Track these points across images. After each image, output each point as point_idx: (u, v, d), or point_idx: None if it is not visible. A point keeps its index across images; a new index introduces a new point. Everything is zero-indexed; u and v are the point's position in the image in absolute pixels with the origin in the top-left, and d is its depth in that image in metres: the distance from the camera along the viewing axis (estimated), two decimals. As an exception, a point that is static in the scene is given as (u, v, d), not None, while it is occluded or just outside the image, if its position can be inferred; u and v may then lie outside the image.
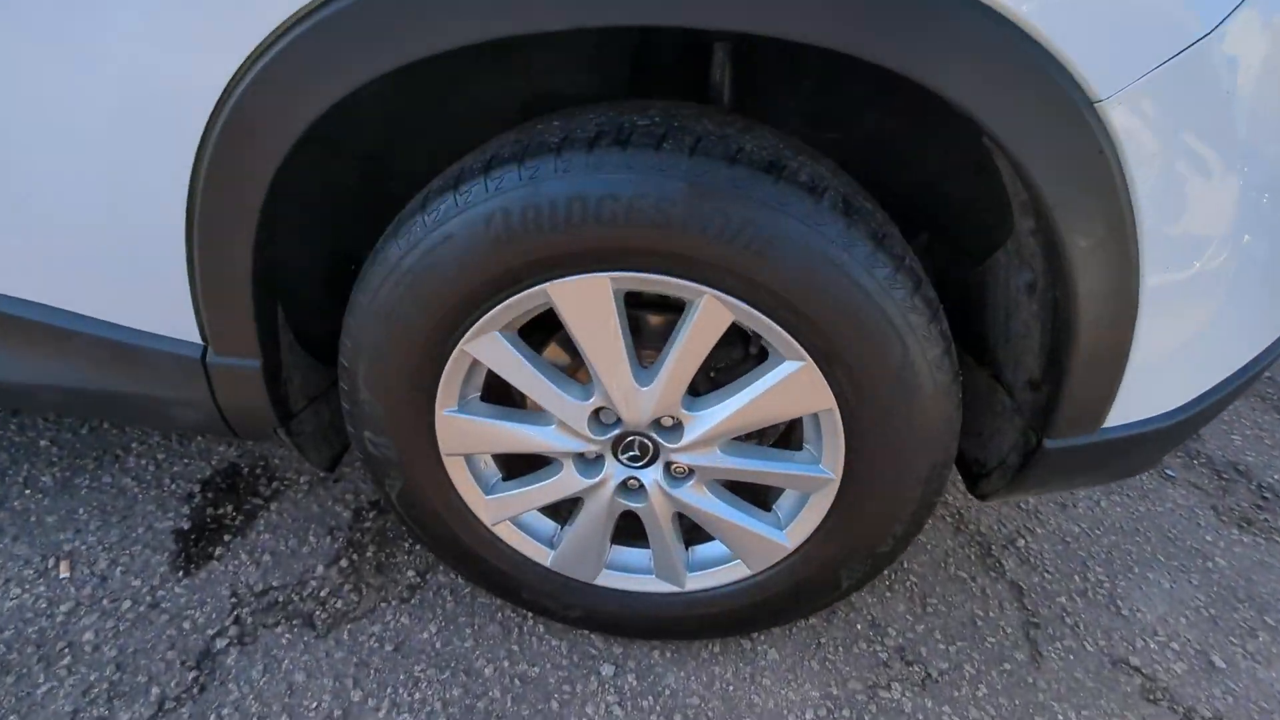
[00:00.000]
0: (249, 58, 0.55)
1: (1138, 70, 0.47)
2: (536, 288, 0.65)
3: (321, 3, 0.53)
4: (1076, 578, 1.16)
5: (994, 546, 1.21)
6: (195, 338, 0.74)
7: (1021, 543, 1.23)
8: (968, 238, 0.78)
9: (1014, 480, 0.75)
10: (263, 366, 0.75)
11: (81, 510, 1.08)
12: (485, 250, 0.62)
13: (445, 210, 0.62)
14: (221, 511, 1.11)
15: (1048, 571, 1.17)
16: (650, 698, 0.91)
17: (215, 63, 0.55)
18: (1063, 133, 0.50)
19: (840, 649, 1.00)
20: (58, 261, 0.70)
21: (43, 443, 1.20)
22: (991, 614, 1.08)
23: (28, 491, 1.11)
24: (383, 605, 0.99)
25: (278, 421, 0.80)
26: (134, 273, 0.69)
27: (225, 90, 0.56)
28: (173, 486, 1.14)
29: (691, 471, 0.79)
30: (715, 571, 0.87)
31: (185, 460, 1.20)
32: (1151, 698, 0.99)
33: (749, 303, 0.63)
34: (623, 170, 0.57)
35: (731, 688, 0.93)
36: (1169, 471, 1.45)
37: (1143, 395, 0.66)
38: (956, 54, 0.48)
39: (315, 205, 0.78)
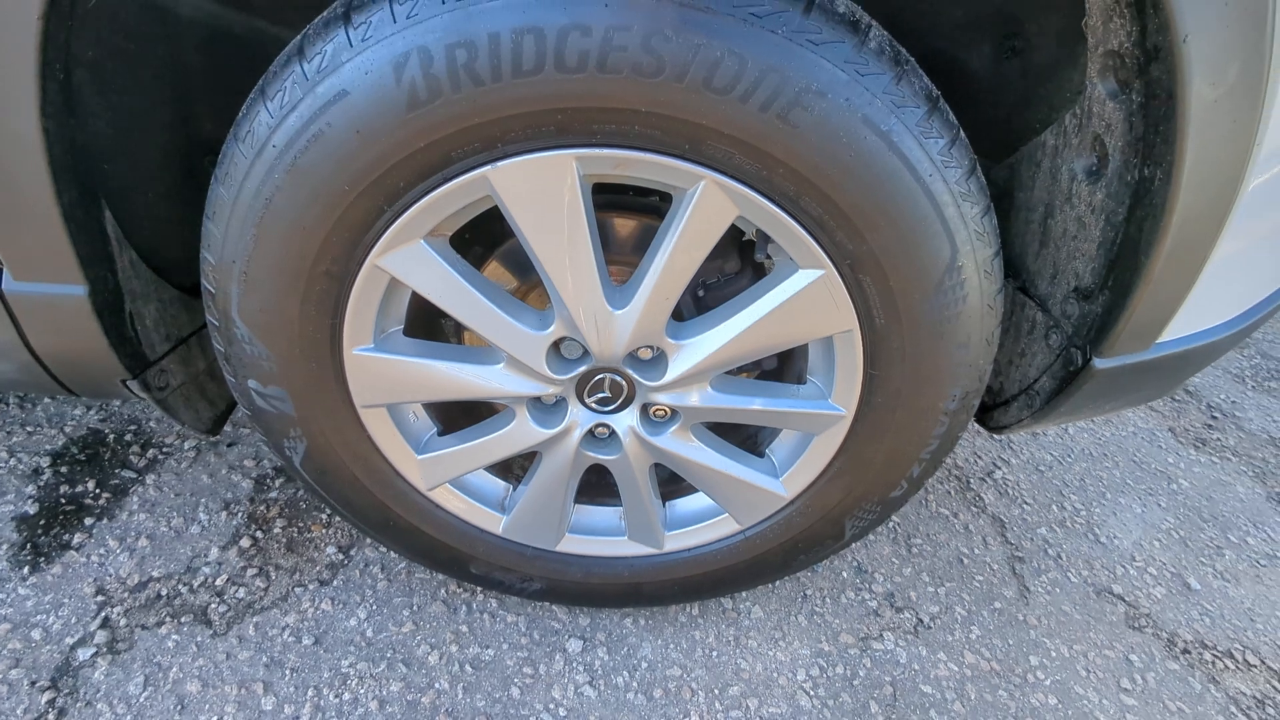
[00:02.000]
0: None
1: None
2: (473, 173, 0.48)
3: None
4: (1054, 508, 1.12)
5: (972, 480, 1.15)
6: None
7: (999, 474, 1.17)
8: (996, 124, 0.65)
9: (1042, 409, 0.65)
10: (90, 295, 0.54)
11: (-117, 497, 0.84)
12: (397, 115, 0.44)
13: (335, 54, 0.43)
14: (80, 489, 0.89)
15: (1026, 503, 1.12)
16: (625, 673, 0.79)
17: None
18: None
19: (828, 600, 0.91)
20: None
21: None
22: (976, 550, 1.02)
23: None
24: (297, 590, 0.82)
25: (127, 372, 0.60)
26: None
27: None
28: (13, 462, 0.91)
29: (675, 414, 0.65)
30: (698, 529, 0.75)
31: (30, 428, 0.96)
32: (1136, 625, 0.95)
33: (761, 191, 0.48)
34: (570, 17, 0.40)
35: (715, 653, 0.82)
36: (1128, 395, 1.44)
37: (1206, 303, 0.56)
38: None
39: (139, 68, 0.56)
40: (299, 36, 0.46)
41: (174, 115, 0.61)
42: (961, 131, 0.49)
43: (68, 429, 0.97)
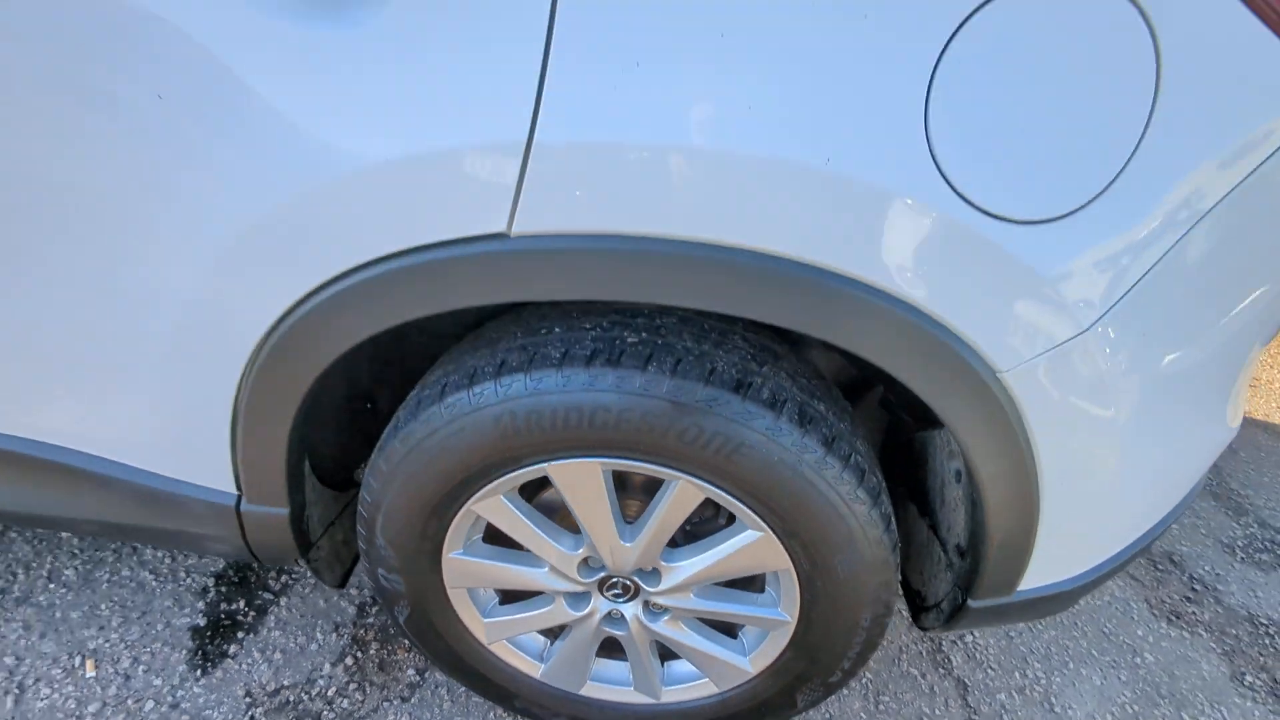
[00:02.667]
0: (294, 303, 0.65)
1: (1033, 352, 0.60)
2: (538, 466, 0.76)
3: (339, 276, 0.63)
4: (1017, 674, 1.28)
5: (944, 642, 1.33)
6: (231, 489, 0.84)
7: (970, 638, 1.34)
8: (912, 410, 0.90)
9: (946, 624, 0.87)
10: (290, 513, 0.85)
11: (104, 606, 1.17)
12: (494, 441, 0.73)
13: (460, 406, 0.73)
14: (235, 607, 1.19)
15: (991, 668, 1.29)
16: (627, 797, 1.01)
17: (269, 302, 0.66)
18: (972, 392, 0.62)
19: (800, 748, 1.10)
20: (121, 422, 0.80)
21: (63, 535, 1.28)
22: (938, 711, 1.19)
23: (52, 586, 1.19)
24: (385, 705, 1.08)
25: (299, 553, 0.90)
26: (184, 435, 0.79)
27: (272, 326, 0.66)
28: (188, 581, 1.23)
29: (667, 609, 0.90)
30: (687, 687, 0.98)
31: (200, 555, 1.28)
32: (1077, 795, 1.10)
33: (717, 487, 0.74)
34: (613, 391, 0.68)
35: (701, 787, 1.03)
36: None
37: (1048, 568, 0.78)
38: (883, 335, 0.59)
39: (346, 387, 0.89)
40: (440, 382, 0.76)
41: (353, 392, 0.93)
42: (854, 457, 0.74)
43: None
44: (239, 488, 0.83)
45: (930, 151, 0.52)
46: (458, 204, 0.56)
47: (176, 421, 0.78)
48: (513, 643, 0.98)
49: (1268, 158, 0.53)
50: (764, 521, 0.76)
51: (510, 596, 0.97)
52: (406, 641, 1.18)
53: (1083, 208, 0.53)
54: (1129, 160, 0.52)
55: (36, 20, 0.55)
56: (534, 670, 0.99)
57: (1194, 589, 1.56)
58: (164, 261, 0.64)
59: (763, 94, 0.51)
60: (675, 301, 0.61)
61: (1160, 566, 1.61)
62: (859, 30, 0.50)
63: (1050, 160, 0.53)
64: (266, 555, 0.91)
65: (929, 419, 0.88)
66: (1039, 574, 0.78)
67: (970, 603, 0.80)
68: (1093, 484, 0.70)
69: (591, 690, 1.00)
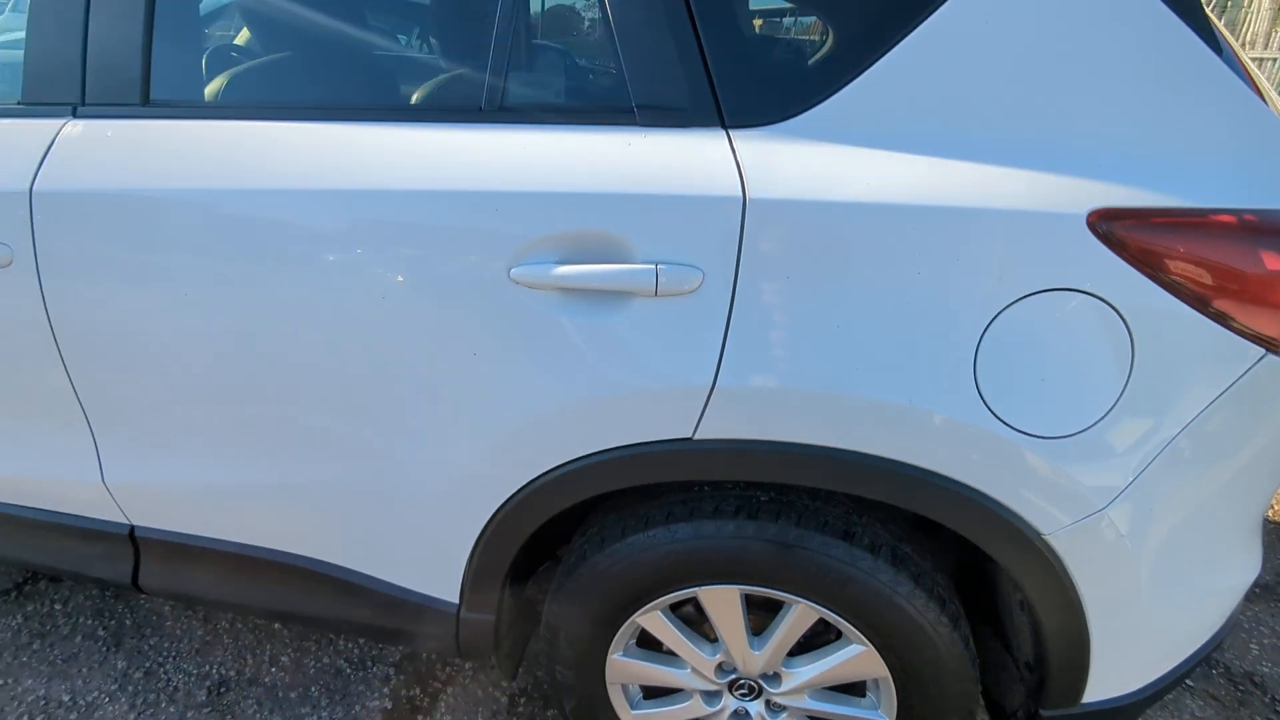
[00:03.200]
0: (538, 475, 0.95)
1: (1066, 522, 0.83)
2: (689, 590, 1.01)
3: (573, 459, 0.92)
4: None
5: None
6: (455, 600, 1.11)
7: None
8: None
9: (1024, 731, 1.04)
10: (495, 620, 1.12)
11: (313, 688, 1.45)
12: (661, 571, 0.99)
13: (636, 543, 1.00)
14: (413, 693, 1.45)
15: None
16: None
17: (520, 474, 0.96)
18: (1022, 547, 0.85)
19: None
20: (388, 547, 1.10)
21: (275, 625, 1.59)
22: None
23: (273, 669, 1.48)
24: (540, 784, 1.30)
25: (494, 650, 1.16)
26: (432, 560, 1.08)
27: (519, 489, 0.96)
28: (374, 669, 1.50)
29: (785, 708, 1.11)
30: (800, 778, 1.16)
31: (380, 645, 1.56)
32: None
33: (829, 610, 0.97)
34: (754, 538, 0.94)
35: None
36: (1188, 681, 1.66)
37: (1105, 685, 0.96)
38: (957, 508, 0.84)
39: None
40: (621, 524, 1.03)
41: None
42: (936, 589, 0.96)
43: (399, 647, 1.56)
44: (461, 599, 1.11)
45: (978, 390, 0.79)
46: (663, 419, 0.86)
47: (430, 550, 1.07)
48: (653, 731, 1.20)
49: (1214, 399, 0.77)
50: (866, 638, 0.99)
51: (652, 692, 1.20)
52: (552, 729, 1.40)
53: (1087, 429, 0.78)
54: (1117, 400, 0.77)
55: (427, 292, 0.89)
56: (671, 759, 1.20)
57: (1276, 710, 1.61)
58: (458, 443, 0.96)
59: (873, 357, 0.79)
60: (803, 482, 0.88)
61: (1241, 687, 1.68)
62: (932, 323, 0.78)
63: (1061, 399, 0.78)
64: (469, 652, 1.17)
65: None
66: (1098, 689, 0.96)
67: (1042, 712, 0.98)
68: (1129, 616, 0.90)
69: (718, 778, 1.20)
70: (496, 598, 1.09)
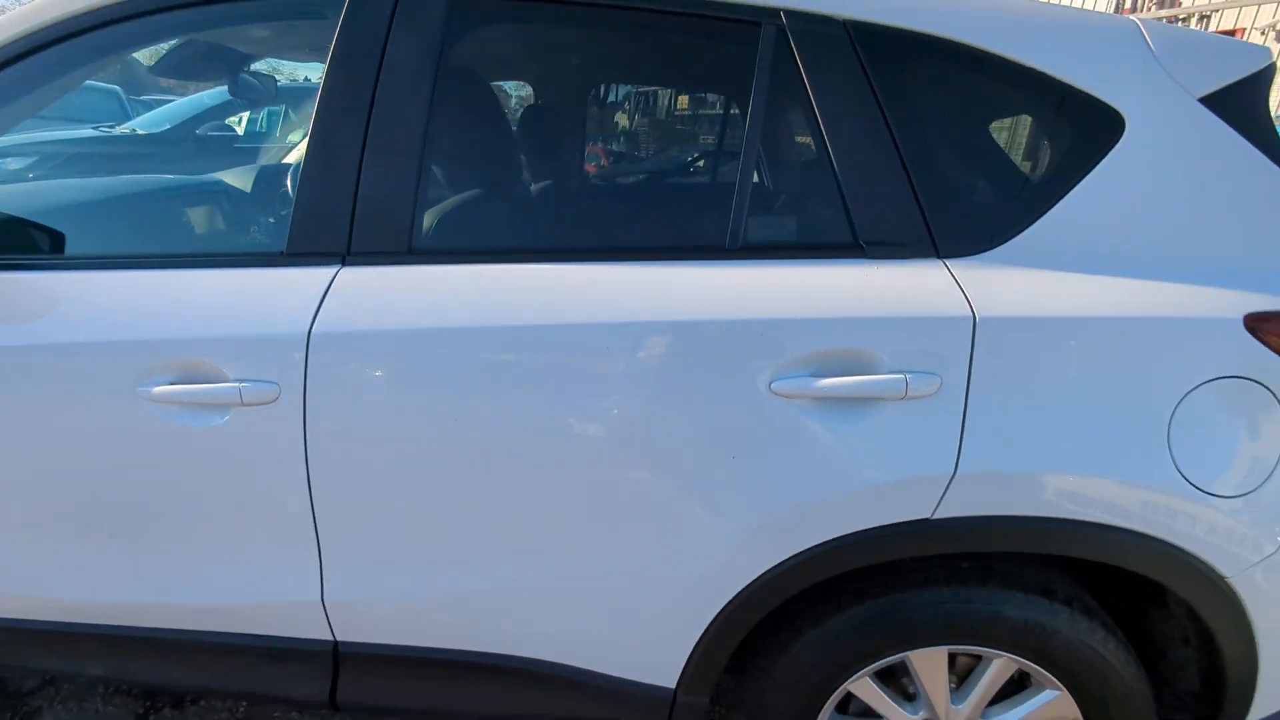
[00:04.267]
0: (771, 567, 1.06)
1: (1244, 566, 1.00)
2: (901, 655, 1.13)
3: (808, 549, 1.04)
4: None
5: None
6: (672, 684, 1.19)
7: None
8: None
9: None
10: (710, 699, 1.19)
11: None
12: (878, 647, 1.11)
13: (840, 625, 1.11)
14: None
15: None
16: None
17: (756, 565, 1.06)
18: (1212, 588, 1.01)
19: None
20: (613, 642, 1.16)
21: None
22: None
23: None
24: None
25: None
26: (658, 649, 1.16)
27: (753, 580, 1.06)
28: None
29: (981, 755, 1.22)
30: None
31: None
32: None
33: (1030, 661, 1.11)
34: (957, 601, 1.07)
35: None
36: None
37: (1267, 704, 1.12)
38: (1162, 562, 1.00)
39: None
40: (831, 612, 1.15)
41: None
42: (1118, 633, 1.11)
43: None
44: (679, 684, 1.18)
45: (1173, 461, 0.96)
46: (905, 504, 1.00)
47: (657, 640, 1.15)
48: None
49: None
50: (1060, 681, 1.12)
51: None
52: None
53: (1257, 489, 0.97)
54: (1276, 464, 0.96)
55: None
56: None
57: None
58: (703, 540, 1.06)
59: (1086, 440, 0.96)
60: (1025, 549, 1.03)
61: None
62: (1132, 408, 0.96)
63: (1235, 464, 0.97)
64: (674, 729, 1.24)
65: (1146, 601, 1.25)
66: (1261, 708, 1.12)
67: (1217, 730, 1.13)
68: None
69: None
70: (713, 681, 1.18)
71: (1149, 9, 9.45)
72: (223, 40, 1.60)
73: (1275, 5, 10.85)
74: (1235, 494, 0.98)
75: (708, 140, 1.13)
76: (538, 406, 1.03)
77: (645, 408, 1.01)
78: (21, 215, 1.13)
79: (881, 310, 0.97)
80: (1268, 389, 0.96)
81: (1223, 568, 1.00)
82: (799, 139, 1.06)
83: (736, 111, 1.02)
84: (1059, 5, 1.10)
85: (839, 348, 0.98)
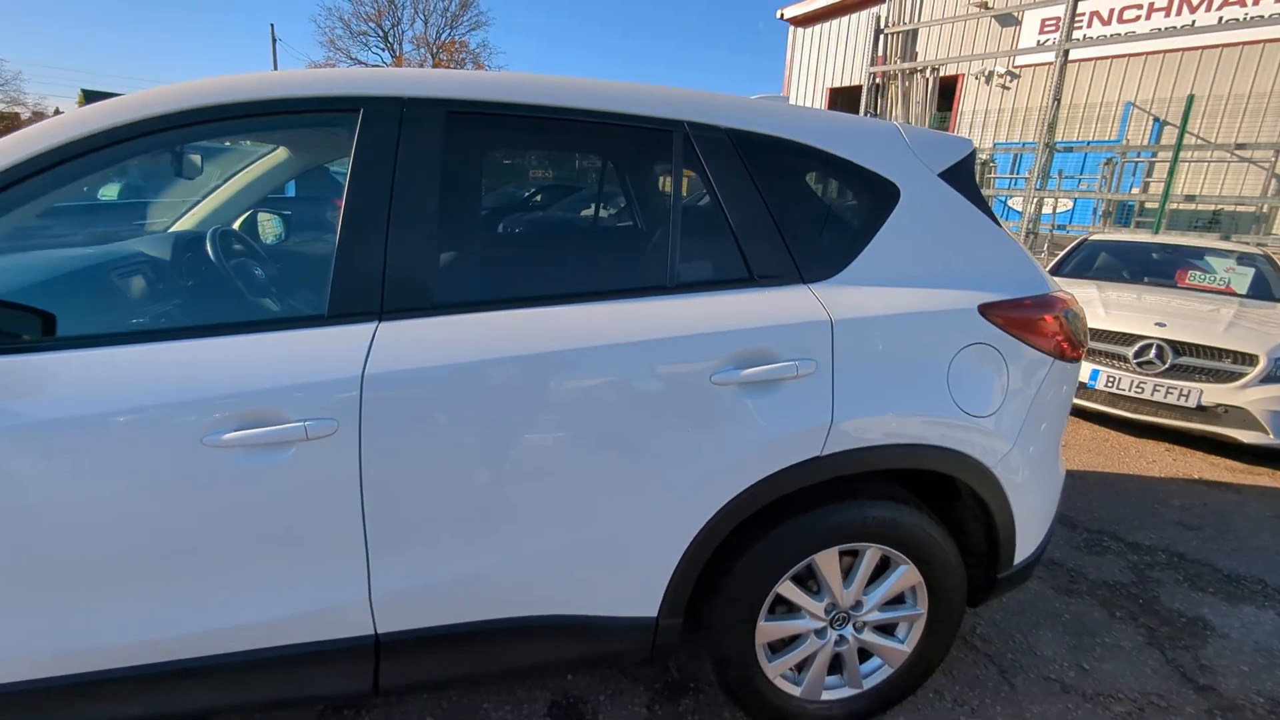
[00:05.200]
0: (720, 507, 1.50)
1: (995, 460, 1.61)
2: (808, 559, 1.62)
3: (742, 491, 1.50)
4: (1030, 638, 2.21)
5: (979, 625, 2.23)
6: (654, 613, 1.57)
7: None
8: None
9: (987, 595, 1.80)
10: (682, 620, 1.60)
11: None
12: (793, 556, 1.59)
13: (766, 546, 1.59)
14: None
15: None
16: None
17: (706, 508, 1.49)
18: (982, 476, 1.61)
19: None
20: (612, 586, 1.52)
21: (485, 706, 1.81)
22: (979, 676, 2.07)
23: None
24: None
25: (680, 649, 1.63)
26: (641, 586, 1.54)
27: (706, 520, 1.50)
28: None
29: (866, 624, 1.74)
30: (874, 674, 1.79)
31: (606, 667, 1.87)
32: (1067, 690, 2.01)
33: (888, 548, 1.64)
34: (855, 511, 1.59)
35: (894, 740, 1.80)
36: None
37: (1023, 551, 1.76)
38: (956, 461, 1.58)
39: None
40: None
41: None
42: (937, 522, 1.69)
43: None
44: (660, 611, 1.57)
45: (952, 398, 1.55)
46: (804, 447, 1.48)
47: (643, 579, 1.53)
48: (783, 677, 1.74)
49: (1040, 385, 1.63)
50: (909, 558, 1.67)
51: (775, 647, 1.74)
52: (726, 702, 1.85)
53: (995, 411, 1.59)
54: (1005, 395, 1.59)
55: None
56: (795, 691, 1.74)
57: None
58: (672, 496, 1.46)
59: (903, 391, 1.53)
60: (882, 466, 1.56)
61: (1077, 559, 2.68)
62: (925, 368, 1.54)
63: (983, 397, 1.58)
64: (661, 654, 1.62)
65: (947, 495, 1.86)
66: (1023, 551, 1.75)
67: (998, 575, 1.74)
68: (1027, 505, 1.71)
69: (826, 694, 1.77)
70: (684, 604, 1.58)
71: (895, 60, 11.58)
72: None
73: (983, 60, 13.61)
74: (987, 414, 1.59)
75: (647, 207, 1.57)
76: (539, 413, 1.39)
77: (624, 404, 1.41)
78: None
79: (775, 320, 1.47)
80: (995, 349, 1.59)
81: (986, 461, 1.61)
82: (705, 205, 1.54)
83: (665, 187, 1.47)
84: (852, 116, 1.69)
85: (752, 348, 1.45)
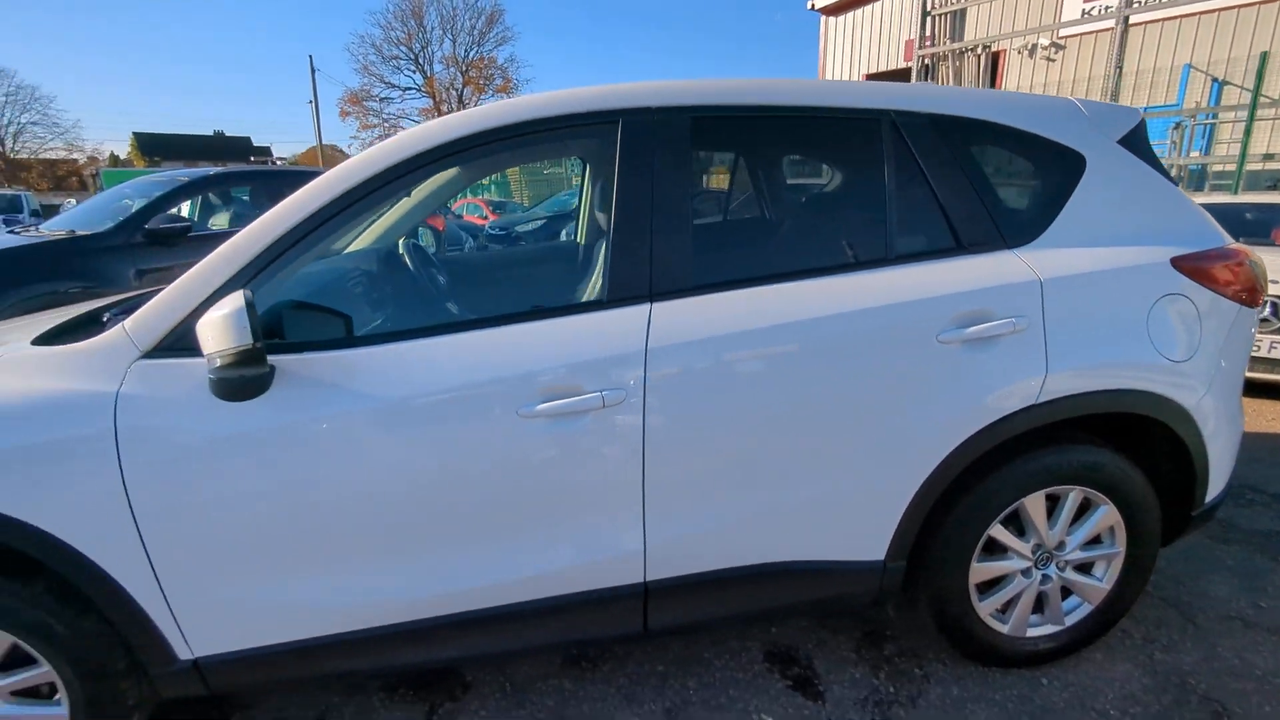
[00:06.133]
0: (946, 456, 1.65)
1: (1191, 399, 1.74)
2: (1018, 502, 1.76)
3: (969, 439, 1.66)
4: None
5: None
6: (881, 557, 1.73)
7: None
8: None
9: (1180, 532, 1.91)
10: (908, 563, 1.75)
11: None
12: (1005, 499, 1.73)
13: (983, 489, 1.73)
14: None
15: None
16: (1068, 688, 1.88)
17: (932, 459, 1.65)
18: (1182, 416, 1.74)
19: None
20: (847, 532, 1.69)
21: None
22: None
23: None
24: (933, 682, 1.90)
25: (903, 588, 1.78)
26: (872, 531, 1.70)
27: (933, 468, 1.65)
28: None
29: (1068, 563, 1.87)
30: (1073, 612, 1.91)
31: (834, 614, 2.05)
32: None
33: (1090, 488, 1.78)
34: (1059, 455, 1.73)
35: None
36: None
37: (1212, 492, 1.86)
38: (1158, 404, 1.71)
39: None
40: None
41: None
42: (1134, 469, 1.81)
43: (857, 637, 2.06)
44: (886, 555, 1.73)
45: (1152, 344, 1.68)
46: (1024, 395, 1.63)
47: (874, 524, 1.69)
48: (992, 616, 1.88)
49: (1228, 331, 1.75)
50: (1109, 499, 1.80)
51: (983, 587, 1.88)
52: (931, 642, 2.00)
53: (1193, 356, 1.71)
54: (1199, 341, 1.71)
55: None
56: (1002, 629, 1.89)
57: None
58: (906, 446, 1.63)
59: (1113, 338, 1.67)
60: (1083, 413, 1.69)
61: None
62: (1131, 306, 1.68)
63: (1183, 344, 1.71)
64: (886, 595, 1.78)
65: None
66: (1213, 490, 1.86)
67: (1191, 513, 1.85)
68: (1217, 446, 1.82)
69: (1030, 631, 1.90)
70: (909, 548, 1.74)
71: (944, 40, 11.52)
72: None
73: (1024, 36, 13.40)
74: (1185, 359, 1.71)
75: (862, 190, 1.75)
76: (789, 375, 1.57)
77: (860, 364, 1.59)
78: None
79: (990, 282, 1.62)
80: (1188, 298, 1.71)
81: (1186, 403, 1.73)
82: (914, 184, 1.70)
83: (875, 171, 1.65)
84: (1035, 95, 1.83)
85: (972, 308, 1.61)
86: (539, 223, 11.47)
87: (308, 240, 1.47)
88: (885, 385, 1.61)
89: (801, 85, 1.70)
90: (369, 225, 2.18)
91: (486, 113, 1.59)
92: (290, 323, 1.50)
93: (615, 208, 1.56)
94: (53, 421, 1.36)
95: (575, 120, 1.60)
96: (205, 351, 1.30)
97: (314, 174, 6.89)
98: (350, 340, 1.54)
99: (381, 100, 36.20)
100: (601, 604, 1.66)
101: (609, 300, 1.55)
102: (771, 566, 1.70)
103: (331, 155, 35.79)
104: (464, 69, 36.59)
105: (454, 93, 36.41)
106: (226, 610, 1.51)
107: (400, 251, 2.41)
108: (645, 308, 1.54)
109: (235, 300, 1.26)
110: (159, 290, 1.62)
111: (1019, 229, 1.70)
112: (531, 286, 2.19)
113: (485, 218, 13.04)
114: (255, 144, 50.15)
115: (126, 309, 1.80)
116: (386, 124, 36.16)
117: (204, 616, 1.50)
